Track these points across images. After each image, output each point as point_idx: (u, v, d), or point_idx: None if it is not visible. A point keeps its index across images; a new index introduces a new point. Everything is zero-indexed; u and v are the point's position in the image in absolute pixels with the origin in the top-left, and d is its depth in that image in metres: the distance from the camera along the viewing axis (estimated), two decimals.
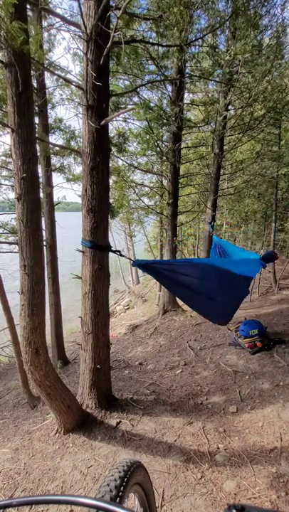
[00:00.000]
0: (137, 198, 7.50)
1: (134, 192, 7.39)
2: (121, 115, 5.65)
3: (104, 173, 2.47)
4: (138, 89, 4.53)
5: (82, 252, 2.58)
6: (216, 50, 4.14)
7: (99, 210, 2.46)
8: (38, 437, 2.56)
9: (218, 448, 2.14)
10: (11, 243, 4.49)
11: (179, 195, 6.52)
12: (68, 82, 3.34)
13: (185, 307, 7.05)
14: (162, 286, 7.55)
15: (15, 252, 4.12)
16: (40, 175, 4.55)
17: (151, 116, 4.96)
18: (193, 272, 2.56)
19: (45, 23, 4.32)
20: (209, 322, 5.19)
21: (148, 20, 3.20)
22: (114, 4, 2.49)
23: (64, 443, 2.39)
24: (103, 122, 2.31)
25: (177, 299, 7.03)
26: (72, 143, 5.14)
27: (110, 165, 3.89)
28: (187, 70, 5.09)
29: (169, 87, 5.39)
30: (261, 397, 2.63)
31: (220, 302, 2.81)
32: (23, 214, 1.98)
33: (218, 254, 3.94)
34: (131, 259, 2.50)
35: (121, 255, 2.61)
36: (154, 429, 2.42)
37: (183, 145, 6.24)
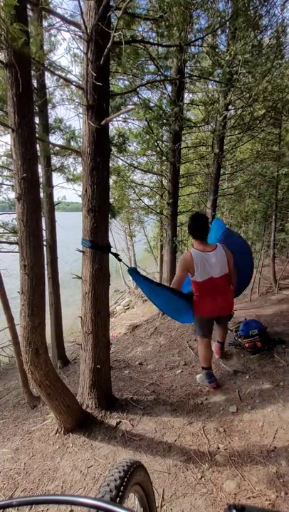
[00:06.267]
0: (137, 198, 7.50)
1: (134, 192, 7.38)
2: (121, 115, 5.64)
3: (104, 173, 2.47)
4: (138, 89, 4.52)
5: (82, 252, 2.58)
6: (216, 50, 4.14)
7: (99, 210, 2.46)
8: (38, 437, 2.56)
9: (218, 448, 2.14)
10: (11, 243, 4.49)
11: (179, 195, 6.51)
12: (68, 82, 3.35)
13: None
14: None
15: (15, 252, 4.12)
16: (41, 175, 4.55)
17: (151, 116, 4.96)
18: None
19: (45, 23, 4.32)
20: None
21: (148, 20, 3.20)
22: (114, 4, 2.49)
23: (64, 443, 2.39)
24: (103, 122, 2.31)
25: None
26: (73, 143, 5.13)
27: (110, 165, 3.89)
28: (187, 70, 5.08)
29: (169, 87, 5.39)
30: (261, 397, 2.63)
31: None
32: (23, 214, 1.98)
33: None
34: (127, 266, 2.68)
35: (119, 260, 2.75)
36: (154, 429, 2.42)
37: (183, 145, 6.23)
